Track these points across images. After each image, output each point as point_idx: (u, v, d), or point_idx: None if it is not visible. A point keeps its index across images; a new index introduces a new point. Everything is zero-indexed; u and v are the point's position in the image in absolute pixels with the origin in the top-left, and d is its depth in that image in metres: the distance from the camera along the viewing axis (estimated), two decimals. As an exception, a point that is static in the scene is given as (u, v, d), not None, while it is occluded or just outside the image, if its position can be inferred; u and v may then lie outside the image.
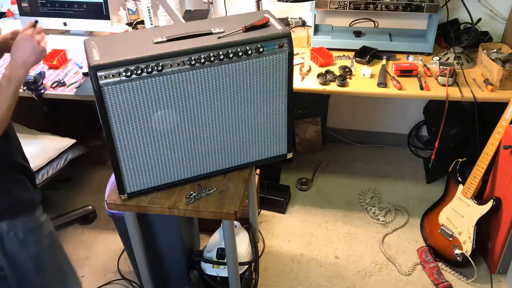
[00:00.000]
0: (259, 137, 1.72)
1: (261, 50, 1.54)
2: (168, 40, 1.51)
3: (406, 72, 2.22)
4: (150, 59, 1.45)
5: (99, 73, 1.41)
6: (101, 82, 1.42)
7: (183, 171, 1.71)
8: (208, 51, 1.49)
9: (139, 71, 1.44)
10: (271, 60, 1.58)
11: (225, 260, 1.98)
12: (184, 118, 1.58)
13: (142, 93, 1.48)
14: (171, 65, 1.47)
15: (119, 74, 1.43)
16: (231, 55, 1.51)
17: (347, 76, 2.21)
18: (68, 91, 2.16)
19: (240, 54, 1.52)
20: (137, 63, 1.44)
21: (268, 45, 1.55)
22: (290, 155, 1.81)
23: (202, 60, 1.49)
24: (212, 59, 1.50)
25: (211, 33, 1.55)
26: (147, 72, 1.45)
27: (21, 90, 2.12)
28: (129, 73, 1.43)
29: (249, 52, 1.52)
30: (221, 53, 1.50)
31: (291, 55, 1.62)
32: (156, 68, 1.45)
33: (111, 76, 1.42)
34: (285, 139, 1.77)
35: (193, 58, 1.48)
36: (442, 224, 2.29)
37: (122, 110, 1.49)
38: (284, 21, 2.57)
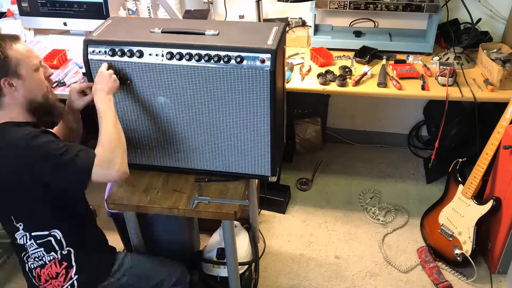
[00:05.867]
0: (240, 150, 1.69)
1: (238, 60, 1.49)
2: (162, 32, 1.59)
3: (408, 78, 2.21)
4: (133, 44, 1.55)
5: (90, 48, 1.57)
6: (89, 56, 1.57)
7: (165, 157, 1.75)
8: (188, 48, 1.52)
9: (121, 53, 1.55)
10: (250, 73, 1.51)
11: (225, 260, 1.98)
12: (160, 107, 1.63)
13: (122, 73, 1.58)
14: (150, 54, 1.54)
15: (106, 52, 1.56)
16: (206, 58, 1.51)
17: (347, 76, 2.21)
18: (68, 91, 2.15)
19: (216, 59, 1.51)
20: (122, 45, 1.55)
21: (249, 57, 1.49)
22: (273, 179, 1.74)
23: (178, 57, 1.53)
24: (187, 57, 1.52)
25: (203, 34, 1.57)
26: (128, 56, 1.55)
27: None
28: (111, 53, 1.56)
29: (225, 59, 1.50)
30: (200, 53, 1.51)
31: (272, 76, 1.50)
32: (136, 54, 1.55)
33: (98, 52, 1.57)
34: (268, 162, 1.69)
35: (173, 52, 1.53)
36: (442, 224, 2.29)
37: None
38: (284, 21, 2.57)
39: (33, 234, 1.50)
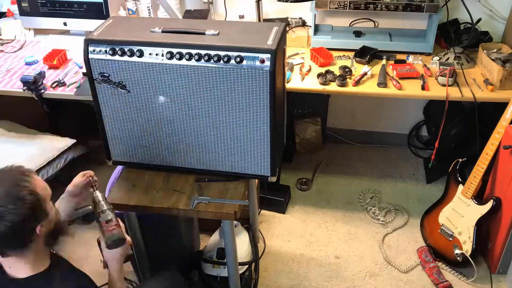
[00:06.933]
0: (239, 150, 1.68)
1: (238, 60, 1.49)
2: (163, 32, 1.59)
3: (408, 78, 2.22)
4: (133, 44, 1.55)
5: (90, 47, 1.57)
6: (90, 55, 1.58)
7: (164, 157, 1.75)
8: (187, 48, 1.52)
9: (121, 53, 1.55)
10: (250, 73, 1.51)
11: (225, 260, 1.99)
12: (160, 106, 1.63)
13: (123, 72, 1.59)
14: (150, 54, 1.54)
15: (106, 51, 1.57)
16: (206, 58, 1.51)
17: (347, 76, 2.21)
18: (68, 91, 2.16)
19: (216, 59, 1.51)
20: (122, 45, 1.55)
21: (248, 57, 1.49)
22: (273, 179, 1.74)
23: (178, 56, 1.53)
24: (187, 57, 1.52)
25: (203, 33, 1.57)
26: (128, 56, 1.55)
27: (20, 90, 2.14)
28: (111, 52, 1.56)
29: (225, 59, 1.50)
30: (200, 52, 1.51)
31: (272, 76, 1.50)
32: (137, 53, 1.55)
33: (98, 51, 1.57)
34: (268, 162, 1.69)
35: (173, 51, 1.53)
36: (442, 224, 2.29)
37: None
38: (284, 21, 2.57)
39: None
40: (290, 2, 2.30)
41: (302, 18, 2.63)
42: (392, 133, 3.08)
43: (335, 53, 2.42)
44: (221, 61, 1.51)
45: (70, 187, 1.55)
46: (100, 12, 2.48)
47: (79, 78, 2.24)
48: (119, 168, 1.87)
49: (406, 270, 2.31)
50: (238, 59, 1.49)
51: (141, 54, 1.55)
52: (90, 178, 1.55)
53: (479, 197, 2.16)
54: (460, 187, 2.21)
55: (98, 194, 1.49)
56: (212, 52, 1.50)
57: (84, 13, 2.50)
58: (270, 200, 2.64)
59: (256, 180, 2.31)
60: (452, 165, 2.29)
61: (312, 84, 2.22)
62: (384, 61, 2.33)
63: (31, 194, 1.20)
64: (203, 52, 1.51)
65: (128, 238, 1.46)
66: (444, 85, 2.14)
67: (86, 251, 2.45)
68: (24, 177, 1.22)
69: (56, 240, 1.35)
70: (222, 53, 1.50)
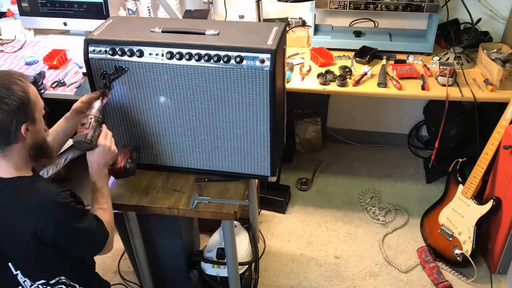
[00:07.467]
0: (239, 150, 1.68)
1: (238, 60, 1.49)
2: (163, 31, 1.59)
3: (408, 78, 2.22)
4: (133, 43, 1.55)
5: (90, 47, 1.57)
6: (90, 55, 1.58)
7: (164, 157, 1.75)
8: (187, 48, 1.52)
9: (121, 53, 1.55)
10: (250, 73, 1.50)
11: (225, 260, 1.99)
12: (160, 106, 1.63)
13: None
14: (150, 54, 1.54)
15: (106, 51, 1.56)
16: (206, 58, 1.51)
17: (347, 76, 2.21)
18: (68, 91, 2.16)
19: (216, 59, 1.51)
20: (122, 45, 1.55)
21: (248, 57, 1.49)
22: (272, 179, 1.73)
23: (178, 56, 1.53)
24: (187, 57, 1.52)
25: (203, 33, 1.57)
26: (128, 55, 1.55)
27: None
28: (111, 52, 1.56)
29: (225, 59, 1.50)
30: (199, 52, 1.51)
31: (272, 76, 1.49)
32: (137, 53, 1.55)
33: (98, 51, 1.57)
34: (268, 162, 1.68)
35: (174, 51, 1.53)
36: (442, 224, 2.29)
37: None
38: (284, 21, 2.57)
39: (38, 283, 1.41)
40: (290, 2, 2.30)
41: (302, 18, 2.63)
42: (392, 133, 3.09)
43: (335, 53, 2.42)
44: (221, 61, 1.51)
45: (77, 104, 1.59)
46: (100, 12, 2.48)
47: (79, 78, 2.24)
48: (119, 168, 1.87)
49: (406, 270, 2.31)
50: (238, 59, 1.49)
51: (141, 54, 1.55)
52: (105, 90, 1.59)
53: (479, 197, 2.16)
54: (460, 187, 2.21)
55: (98, 102, 1.54)
56: (212, 52, 1.50)
57: (84, 13, 2.50)
58: (270, 200, 2.64)
59: (256, 180, 2.31)
60: (452, 165, 2.29)
61: (312, 84, 2.22)
62: (384, 61, 2.33)
63: (22, 92, 1.27)
64: (203, 52, 1.51)
65: (106, 144, 1.48)
66: (444, 85, 2.15)
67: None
68: (21, 77, 1.30)
69: (39, 158, 1.41)
70: (222, 53, 1.50)
